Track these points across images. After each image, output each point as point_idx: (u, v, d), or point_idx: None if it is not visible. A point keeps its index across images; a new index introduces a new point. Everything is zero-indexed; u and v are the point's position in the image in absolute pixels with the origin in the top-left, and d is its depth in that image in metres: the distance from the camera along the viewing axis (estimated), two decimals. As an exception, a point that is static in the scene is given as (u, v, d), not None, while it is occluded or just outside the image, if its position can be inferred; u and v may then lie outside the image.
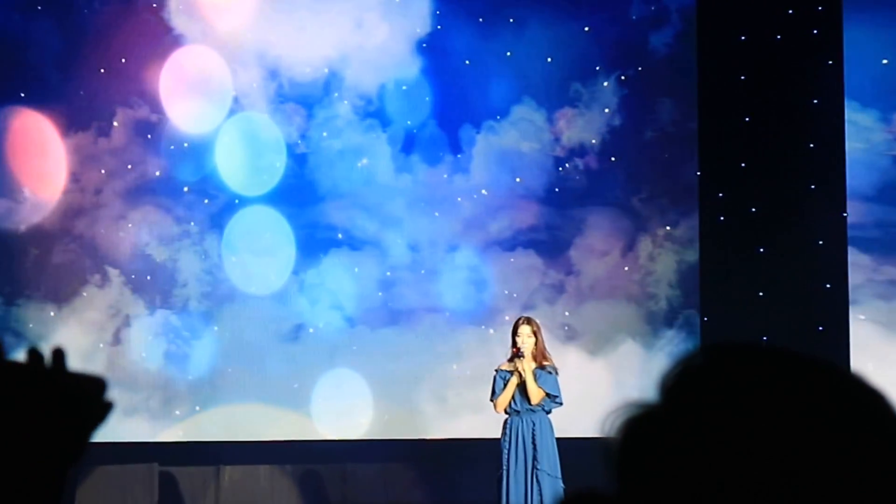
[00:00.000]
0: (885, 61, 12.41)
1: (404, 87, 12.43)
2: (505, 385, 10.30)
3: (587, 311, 12.48)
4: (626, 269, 12.50)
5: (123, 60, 12.09)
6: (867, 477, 1.25)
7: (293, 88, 12.34)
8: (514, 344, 10.32)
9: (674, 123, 12.59)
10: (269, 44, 12.28)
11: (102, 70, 12.06)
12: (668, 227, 12.55)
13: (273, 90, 12.32)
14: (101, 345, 11.98)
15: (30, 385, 1.49)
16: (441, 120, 12.48)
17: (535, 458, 10.20)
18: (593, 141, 12.57)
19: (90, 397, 1.52)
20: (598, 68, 12.56)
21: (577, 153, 12.58)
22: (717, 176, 12.52)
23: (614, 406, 1.31)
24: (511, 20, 12.50)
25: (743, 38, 12.52)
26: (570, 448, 10.10)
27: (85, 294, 12.02)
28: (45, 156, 12.04)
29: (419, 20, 12.47)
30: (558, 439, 10.25)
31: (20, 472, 1.48)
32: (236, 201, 12.24)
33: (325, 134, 12.35)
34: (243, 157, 12.27)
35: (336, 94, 12.37)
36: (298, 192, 12.30)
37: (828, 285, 12.35)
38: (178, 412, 12.05)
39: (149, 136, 12.16)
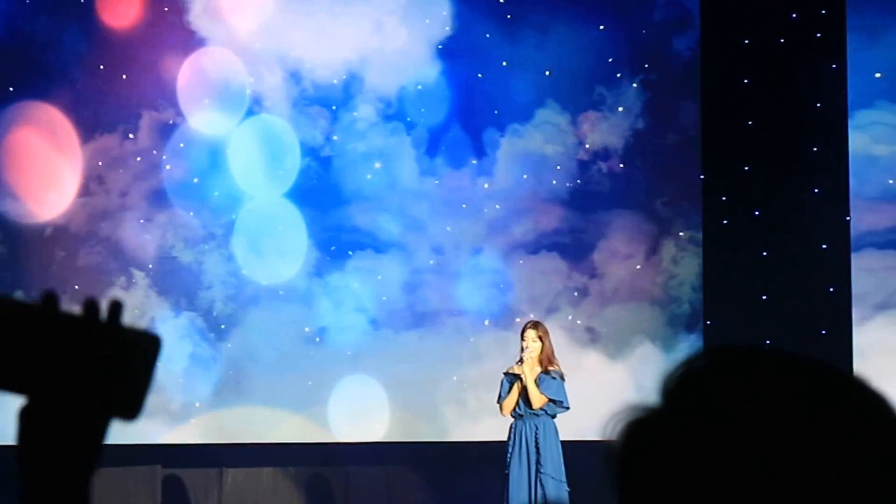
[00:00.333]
0: (878, 75, 12.40)
1: (424, 90, 12.42)
2: (510, 389, 10.37)
3: (610, 314, 12.47)
4: (650, 272, 12.50)
5: (148, 63, 12.13)
6: (870, 480, 1.26)
7: (316, 91, 12.35)
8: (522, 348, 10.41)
9: (697, 127, 12.58)
10: (290, 47, 12.29)
11: (127, 73, 12.09)
12: (691, 231, 12.54)
13: (296, 93, 12.34)
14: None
15: (86, 336, 1.50)
16: (464, 123, 12.48)
17: (538, 462, 10.24)
18: (617, 144, 12.57)
19: (145, 351, 1.53)
20: (619, 75, 12.56)
21: (601, 156, 12.58)
22: (721, 179, 12.51)
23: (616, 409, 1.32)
24: (533, 23, 12.49)
25: (746, 41, 12.51)
26: (588, 451, 10.09)
27: (110, 296, 12.02)
28: (72, 158, 12.08)
29: (439, 23, 12.47)
30: (576, 442, 10.24)
31: (75, 421, 1.50)
32: (261, 204, 12.26)
33: (348, 137, 12.37)
34: (267, 159, 12.29)
35: (359, 97, 12.39)
36: (322, 195, 12.32)
37: (831, 288, 12.33)
38: (197, 414, 12.05)
39: (174, 139, 12.19)
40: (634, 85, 12.59)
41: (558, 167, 12.53)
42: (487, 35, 12.49)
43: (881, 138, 12.42)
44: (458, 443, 12.22)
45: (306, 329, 12.22)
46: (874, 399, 1.31)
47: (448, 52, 12.47)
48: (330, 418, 12.18)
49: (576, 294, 12.48)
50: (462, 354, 12.24)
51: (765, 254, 12.38)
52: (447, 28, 12.48)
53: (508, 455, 10.35)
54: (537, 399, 10.28)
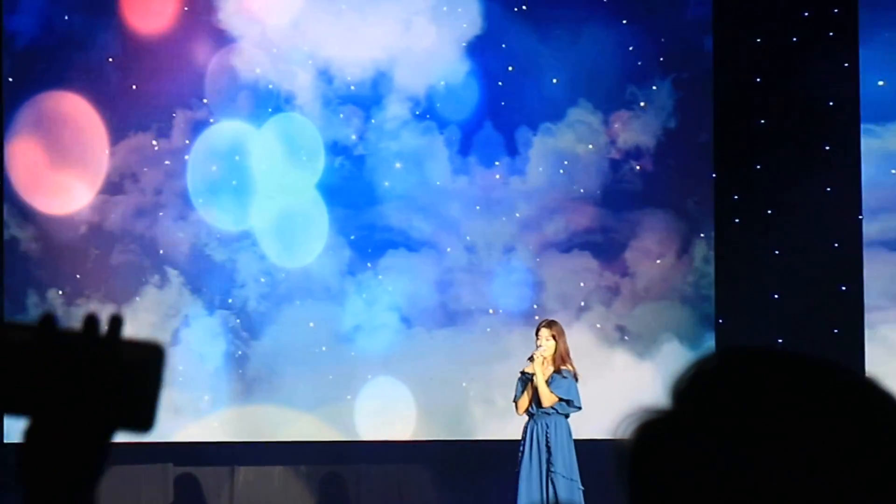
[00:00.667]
0: (881, 83, 12.36)
1: (454, 89, 12.42)
2: (524, 388, 10.41)
3: (640, 313, 12.46)
4: (681, 270, 12.48)
5: (181, 62, 12.17)
6: (883, 480, 1.27)
7: (346, 90, 12.37)
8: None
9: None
10: (320, 46, 12.30)
11: (160, 72, 12.14)
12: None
13: (326, 92, 12.35)
14: (160, 345, 11.99)
15: (87, 351, 1.50)
16: (497, 122, 12.49)
17: (549, 461, 10.27)
18: (648, 143, 12.56)
19: (147, 362, 1.53)
20: (650, 74, 12.55)
21: (633, 155, 12.57)
22: (733, 178, 12.49)
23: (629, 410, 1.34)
24: (564, 22, 12.48)
25: (758, 40, 12.47)
26: (616, 450, 10.04)
27: (144, 294, 12.09)
28: (106, 156, 12.13)
29: (468, 21, 12.47)
30: (602, 441, 10.22)
31: (79, 436, 1.50)
32: (294, 202, 12.29)
33: (380, 135, 12.39)
34: (299, 158, 12.32)
35: (389, 96, 12.41)
36: (355, 194, 12.34)
37: (843, 287, 12.29)
38: (222, 413, 12.06)
39: (207, 137, 12.23)
40: (666, 84, 12.57)
41: (590, 166, 12.52)
42: (517, 34, 12.49)
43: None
44: (478, 441, 12.19)
45: (338, 327, 12.23)
46: (886, 399, 1.32)
47: (477, 50, 12.46)
48: (356, 417, 12.18)
49: (607, 293, 12.47)
50: (493, 353, 12.24)
51: (777, 253, 12.34)
52: (476, 27, 12.48)
53: (521, 454, 10.41)
54: (547, 397, 10.32)
